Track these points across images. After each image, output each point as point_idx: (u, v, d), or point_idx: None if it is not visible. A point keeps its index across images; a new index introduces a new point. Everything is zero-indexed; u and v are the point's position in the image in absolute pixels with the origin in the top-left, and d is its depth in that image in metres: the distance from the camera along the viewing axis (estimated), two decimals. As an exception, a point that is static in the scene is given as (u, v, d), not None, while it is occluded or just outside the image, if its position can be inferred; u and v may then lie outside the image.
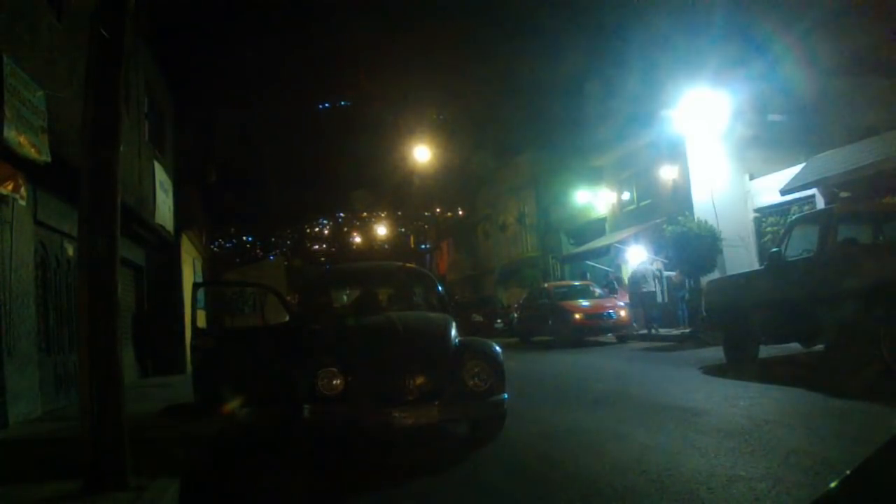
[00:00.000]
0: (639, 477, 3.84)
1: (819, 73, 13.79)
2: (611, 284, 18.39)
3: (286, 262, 44.21)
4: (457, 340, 5.50)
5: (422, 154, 31.77)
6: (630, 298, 16.14)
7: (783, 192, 14.78)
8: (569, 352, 13.70)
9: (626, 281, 17.47)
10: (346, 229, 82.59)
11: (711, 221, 15.18)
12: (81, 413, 3.90)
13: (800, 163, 14.88)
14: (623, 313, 15.39)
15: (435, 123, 48.67)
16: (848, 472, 1.30)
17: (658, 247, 17.36)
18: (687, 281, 15.43)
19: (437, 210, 49.03)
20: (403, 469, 4.65)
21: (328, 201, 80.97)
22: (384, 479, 4.44)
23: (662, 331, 15.52)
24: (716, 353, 9.51)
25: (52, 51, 7.54)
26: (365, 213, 75.63)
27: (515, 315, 19.58)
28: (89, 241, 3.97)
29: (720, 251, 15.00)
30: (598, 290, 17.11)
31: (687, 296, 15.46)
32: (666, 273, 16.99)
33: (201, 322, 8.16)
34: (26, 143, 6.29)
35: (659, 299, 17.06)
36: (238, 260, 49.99)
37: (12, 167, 6.49)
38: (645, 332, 15.63)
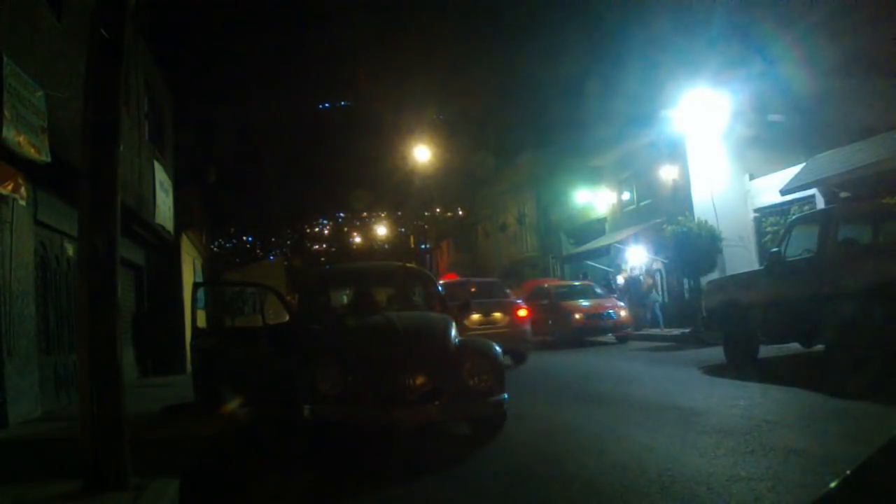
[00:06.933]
0: (639, 477, 3.84)
1: (819, 73, 13.78)
2: (610, 284, 18.46)
3: (286, 262, 44.27)
4: (457, 340, 5.50)
5: (422, 154, 31.80)
6: None
7: (783, 192, 14.79)
8: (569, 352, 13.70)
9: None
10: (346, 229, 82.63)
11: (711, 221, 15.18)
12: (81, 413, 3.90)
13: (800, 163, 14.88)
14: (623, 313, 15.46)
15: (435, 123, 48.73)
16: (848, 472, 1.30)
17: (658, 247, 17.38)
18: (688, 282, 15.45)
19: (437, 210, 49.02)
20: (403, 469, 4.65)
21: (328, 201, 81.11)
22: (384, 479, 4.44)
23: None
24: (716, 353, 9.51)
25: (52, 51, 7.53)
26: (365, 213, 75.67)
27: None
28: (89, 241, 3.97)
29: (720, 251, 15.00)
30: (598, 290, 17.12)
31: (659, 299, 15.78)
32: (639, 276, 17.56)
33: (201, 322, 8.16)
34: (26, 143, 6.29)
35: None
36: (238, 260, 50.02)
37: (12, 167, 6.48)
38: None
